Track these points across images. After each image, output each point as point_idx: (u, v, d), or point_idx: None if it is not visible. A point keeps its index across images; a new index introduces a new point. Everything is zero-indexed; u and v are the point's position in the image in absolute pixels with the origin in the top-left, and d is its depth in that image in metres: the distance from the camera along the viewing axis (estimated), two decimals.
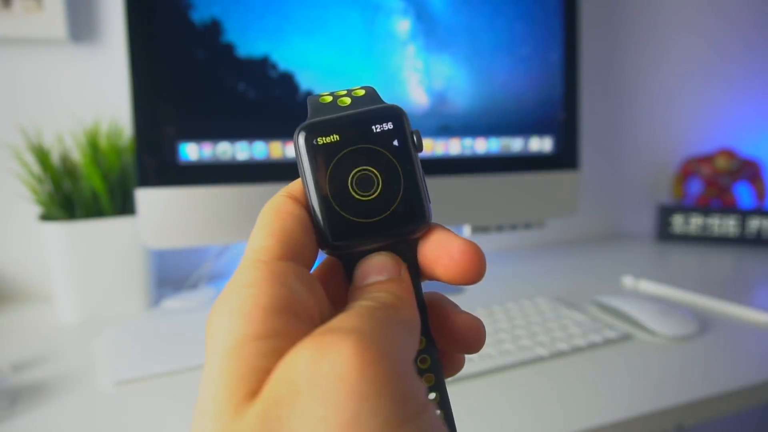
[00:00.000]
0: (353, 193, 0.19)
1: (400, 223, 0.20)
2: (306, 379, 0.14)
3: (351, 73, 0.64)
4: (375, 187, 0.20)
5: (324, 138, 0.19)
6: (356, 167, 0.19)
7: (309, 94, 0.62)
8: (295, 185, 0.20)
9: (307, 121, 0.20)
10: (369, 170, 0.20)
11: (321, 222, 0.19)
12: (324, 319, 0.17)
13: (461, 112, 0.70)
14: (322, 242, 0.20)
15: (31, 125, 0.73)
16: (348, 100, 0.21)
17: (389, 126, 0.20)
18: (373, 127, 0.20)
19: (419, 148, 0.20)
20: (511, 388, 0.49)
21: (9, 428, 0.44)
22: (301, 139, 0.20)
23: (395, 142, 0.20)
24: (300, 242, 0.19)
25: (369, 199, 0.19)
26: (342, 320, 0.16)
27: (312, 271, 0.20)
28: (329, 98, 0.21)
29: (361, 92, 0.21)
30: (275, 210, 0.20)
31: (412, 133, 0.20)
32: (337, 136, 0.19)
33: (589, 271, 0.87)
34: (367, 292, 0.19)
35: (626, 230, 1.14)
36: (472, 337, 0.20)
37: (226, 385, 0.15)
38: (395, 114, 0.20)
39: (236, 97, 0.60)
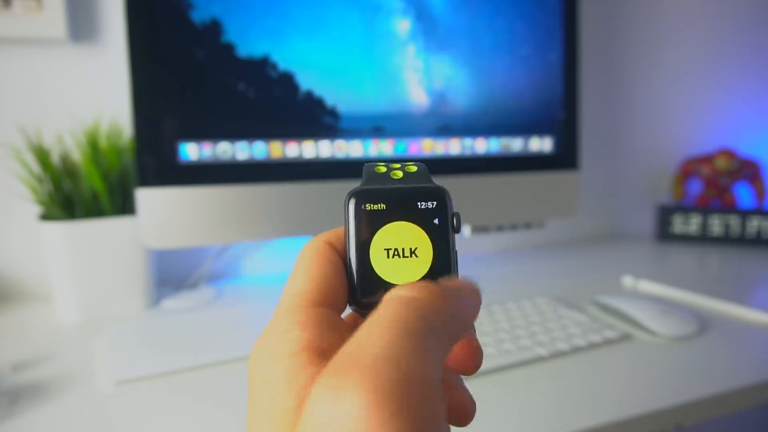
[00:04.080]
0: (389, 259, 0.21)
1: None
2: (326, 422, 0.15)
3: (351, 73, 0.64)
4: (409, 257, 0.21)
5: (372, 205, 0.21)
6: (396, 236, 0.21)
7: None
8: (335, 233, 0.22)
9: (360, 187, 0.22)
10: (407, 240, 0.21)
11: (355, 279, 0.21)
12: None
13: (461, 112, 0.70)
14: (351, 298, 0.21)
15: (31, 125, 0.73)
16: (400, 174, 0.23)
17: (433, 205, 0.22)
18: (419, 203, 0.22)
19: (458, 229, 0.22)
20: (511, 388, 0.49)
21: (9, 428, 0.44)
22: (352, 202, 0.22)
23: (436, 221, 0.22)
24: (336, 289, 0.21)
25: (401, 266, 0.21)
26: (362, 345, 0.16)
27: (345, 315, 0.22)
28: (384, 168, 0.23)
29: (414, 168, 0.23)
30: (317, 254, 0.21)
31: (453, 215, 0.22)
32: (384, 206, 0.21)
33: (589, 271, 0.87)
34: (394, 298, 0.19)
35: (626, 230, 1.14)
36: (459, 416, 0.22)
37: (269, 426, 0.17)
38: (440, 195, 0.22)
39: (236, 97, 0.60)
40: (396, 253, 0.21)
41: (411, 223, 0.21)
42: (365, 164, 0.23)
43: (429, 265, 0.21)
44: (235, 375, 0.52)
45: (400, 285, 0.19)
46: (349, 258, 0.21)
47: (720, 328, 0.62)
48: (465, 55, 0.69)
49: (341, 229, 0.22)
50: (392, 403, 0.14)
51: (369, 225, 0.21)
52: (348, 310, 0.22)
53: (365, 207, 0.21)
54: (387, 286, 0.21)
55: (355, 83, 0.64)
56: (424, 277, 0.21)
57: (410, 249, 0.21)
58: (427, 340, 0.16)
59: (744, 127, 1.15)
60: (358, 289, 0.21)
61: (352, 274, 0.21)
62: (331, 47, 0.63)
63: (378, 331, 0.16)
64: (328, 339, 0.18)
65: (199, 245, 0.71)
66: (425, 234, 0.21)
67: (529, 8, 0.71)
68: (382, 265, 0.21)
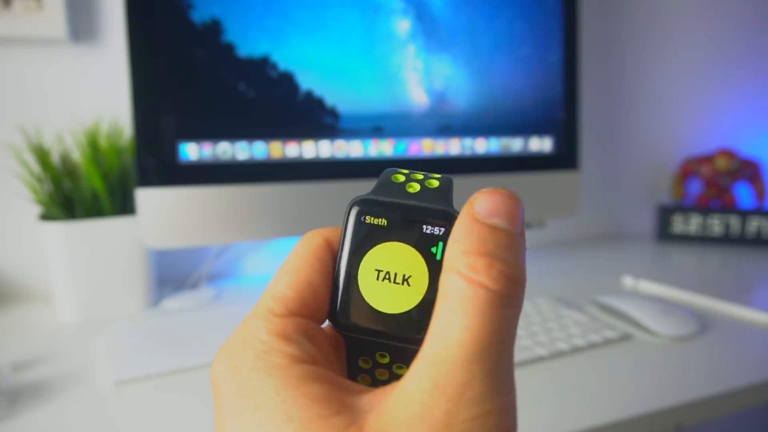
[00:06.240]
0: (378, 282, 0.19)
1: (405, 329, 0.19)
2: None
3: (351, 73, 0.64)
4: (400, 284, 0.19)
5: (373, 218, 0.19)
6: (391, 258, 0.19)
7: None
8: (336, 232, 0.21)
9: (366, 195, 0.20)
10: (402, 266, 0.19)
11: (338, 296, 0.19)
12: (328, 367, 0.18)
13: (461, 112, 0.70)
14: (332, 314, 0.20)
15: (31, 125, 0.73)
16: (417, 187, 0.20)
17: (440, 231, 0.19)
18: (424, 226, 0.19)
19: None
20: None
21: (9, 428, 0.44)
22: (353, 211, 0.19)
23: (436, 249, 0.19)
24: (320, 299, 0.19)
25: (390, 292, 0.19)
26: (399, 412, 0.16)
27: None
28: (402, 178, 0.20)
29: (435, 183, 0.20)
30: (310, 254, 0.20)
31: None
32: (386, 221, 0.19)
33: (589, 271, 0.87)
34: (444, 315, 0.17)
35: (626, 230, 1.14)
36: None
37: None
38: (450, 221, 0.19)
39: (236, 97, 0.60)
40: (387, 276, 0.19)
41: (410, 247, 0.19)
42: (386, 168, 0.21)
43: (420, 298, 0.19)
44: None
45: (469, 259, 0.17)
46: (338, 269, 0.20)
47: (720, 328, 0.62)
48: (465, 55, 0.69)
49: None
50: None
51: (365, 239, 0.19)
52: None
53: (365, 219, 0.19)
54: (369, 311, 0.19)
55: (355, 83, 0.64)
56: (412, 310, 0.19)
57: (403, 276, 0.19)
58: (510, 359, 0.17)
59: (744, 127, 1.15)
60: (338, 307, 0.19)
61: (336, 288, 0.19)
62: (331, 47, 0.63)
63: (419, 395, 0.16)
64: (309, 352, 0.18)
65: (199, 245, 0.71)
66: (423, 262, 0.19)
67: (529, 8, 0.71)
68: (369, 286, 0.19)
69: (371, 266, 0.19)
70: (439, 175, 0.20)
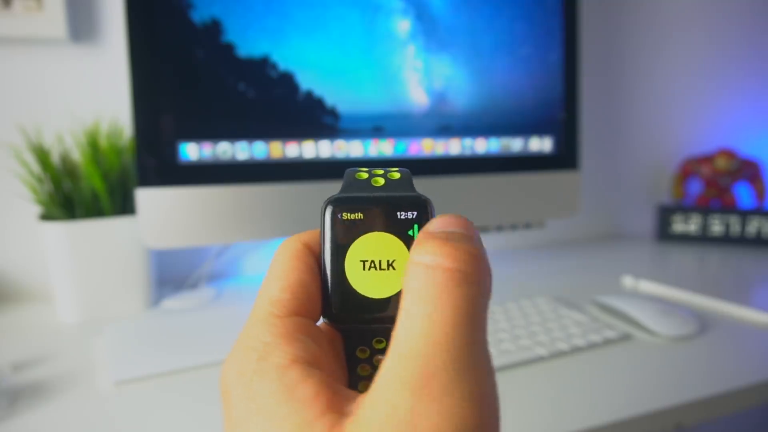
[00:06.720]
0: (365, 271, 0.20)
1: (397, 310, 0.20)
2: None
3: (351, 73, 0.64)
4: (386, 269, 0.20)
5: (349, 214, 0.21)
6: (373, 248, 0.20)
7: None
8: (313, 234, 0.21)
9: (338, 195, 0.21)
10: (385, 252, 0.20)
11: (329, 291, 0.20)
12: (329, 369, 0.18)
13: (461, 112, 0.70)
14: (325, 310, 0.21)
15: (31, 125, 0.73)
16: (382, 181, 0.22)
17: (412, 215, 0.21)
18: (398, 213, 0.21)
19: None
20: (510, 388, 0.49)
21: (9, 428, 0.44)
22: (329, 211, 0.21)
23: (413, 231, 0.20)
24: (313, 298, 0.20)
25: (377, 279, 0.20)
26: (369, 415, 0.16)
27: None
28: (365, 175, 0.22)
29: (397, 175, 0.22)
30: (294, 257, 0.20)
31: None
32: (362, 215, 0.21)
33: (589, 271, 0.87)
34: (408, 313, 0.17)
35: (626, 230, 1.14)
36: None
37: None
38: (421, 205, 0.21)
39: (236, 97, 0.60)
40: (372, 265, 0.20)
41: (389, 234, 0.20)
42: (347, 169, 0.22)
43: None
44: None
45: (425, 245, 0.18)
46: (324, 268, 0.20)
47: (720, 328, 0.62)
48: (465, 55, 0.69)
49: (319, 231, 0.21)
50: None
51: (345, 235, 0.20)
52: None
53: (342, 216, 0.20)
54: (361, 299, 0.20)
55: (355, 83, 0.64)
56: (401, 292, 0.19)
57: (387, 261, 0.20)
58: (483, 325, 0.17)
59: (744, 127, 1.15)
60: (331, 302, 0.20)
61: (326, 286, 0.20)
62: (331, 47, 0.63)
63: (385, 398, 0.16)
64: (311, 350, 0.18)
65: (199, 245, 0.71)
66: (403, 246, 0.20)
67: (529, 8, 0.71)
68: (357, 277, 0.20)
69: (356, 258, 0.20)
70: (396, 168, 0.22)
